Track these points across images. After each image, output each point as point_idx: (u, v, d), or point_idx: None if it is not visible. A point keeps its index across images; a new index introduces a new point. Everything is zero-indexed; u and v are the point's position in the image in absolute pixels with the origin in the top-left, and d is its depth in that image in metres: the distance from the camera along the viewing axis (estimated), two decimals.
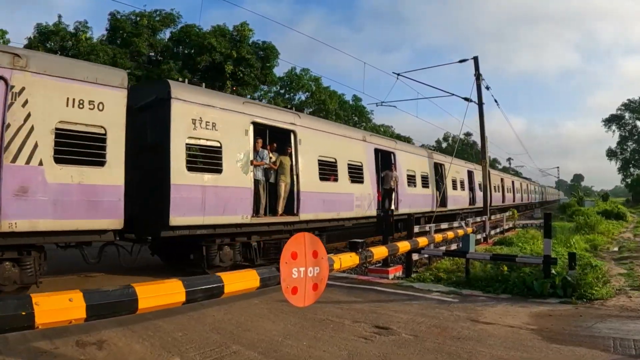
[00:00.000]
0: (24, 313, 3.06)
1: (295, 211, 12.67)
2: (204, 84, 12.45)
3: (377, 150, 17.56)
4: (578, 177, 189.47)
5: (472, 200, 29.06)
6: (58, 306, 3.26)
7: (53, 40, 28.66)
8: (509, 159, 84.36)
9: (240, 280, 4.75)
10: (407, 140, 56.84)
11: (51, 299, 3.26)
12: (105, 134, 8.51)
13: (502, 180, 39.33)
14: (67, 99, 8.08)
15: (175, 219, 9.53)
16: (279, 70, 40.79)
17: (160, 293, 3.97)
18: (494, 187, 33.96)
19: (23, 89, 7.55)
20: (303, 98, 47.64)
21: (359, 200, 15.60)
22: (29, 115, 7.58)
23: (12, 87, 7.43)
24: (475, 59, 23.39)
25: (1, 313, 2.97)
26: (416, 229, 13.24)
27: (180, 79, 11.68)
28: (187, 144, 9.95)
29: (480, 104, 23.40)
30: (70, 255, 9.26)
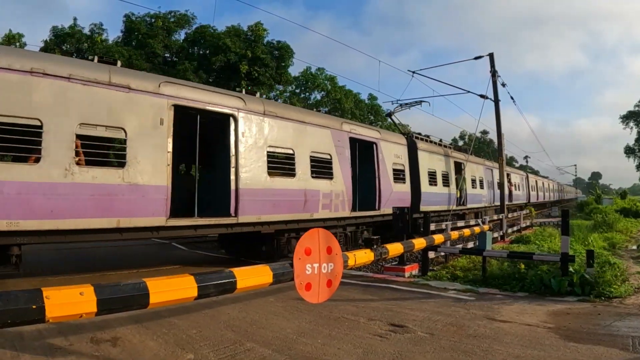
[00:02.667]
0: (34, 307, 3.07)
1: None
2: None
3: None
4: (596, 175, 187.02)
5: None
6: (69, 300, 3.26)
7: (69, 43, 29.07)
8: (525, 157, 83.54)
9: (253, 276, 4.72)
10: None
11: (62, 292, 3.26)
12: None
13: (508, 175, 37.94)
14: None
15: None
16: (294, 71, 40.93)
17: (172, 288, 3.94)
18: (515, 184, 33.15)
19: None
20: (319, 97, 47.76)
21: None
22: None
23: None
24: (491, 55, 23.09)
25: (12, 306, 2.98)
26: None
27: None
28: None
29: (496, 101, 23.13)
30: None
